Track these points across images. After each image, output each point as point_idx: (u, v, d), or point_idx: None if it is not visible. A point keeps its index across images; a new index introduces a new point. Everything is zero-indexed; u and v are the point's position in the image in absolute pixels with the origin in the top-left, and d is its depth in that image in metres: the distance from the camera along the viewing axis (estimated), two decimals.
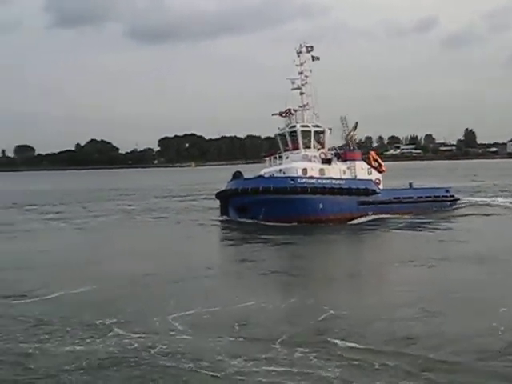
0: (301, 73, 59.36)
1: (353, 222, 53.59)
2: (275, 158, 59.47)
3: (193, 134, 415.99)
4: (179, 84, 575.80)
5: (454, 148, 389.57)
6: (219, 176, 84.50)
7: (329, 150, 59.72)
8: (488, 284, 27.48)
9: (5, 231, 52.42)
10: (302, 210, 52.75)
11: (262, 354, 18.51)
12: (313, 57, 59.49)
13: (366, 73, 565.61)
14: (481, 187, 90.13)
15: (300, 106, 59.48)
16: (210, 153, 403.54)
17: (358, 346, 19.15)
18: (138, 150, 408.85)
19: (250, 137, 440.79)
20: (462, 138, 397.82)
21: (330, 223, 52.22)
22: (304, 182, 54.13)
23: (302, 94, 59.37)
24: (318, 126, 59.00)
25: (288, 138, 59.00)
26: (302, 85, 59.20)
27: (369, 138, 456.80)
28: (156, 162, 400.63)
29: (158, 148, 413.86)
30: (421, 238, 44.37)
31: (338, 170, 57.70)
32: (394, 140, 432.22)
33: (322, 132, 59.50)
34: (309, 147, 58.21)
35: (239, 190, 55.18)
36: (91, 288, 27.33)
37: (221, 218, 57.10)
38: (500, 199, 68.48)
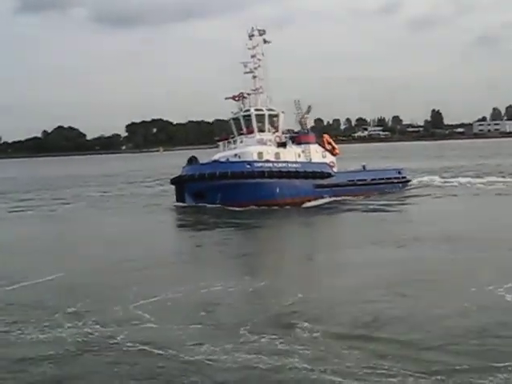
0: (253, 56, 58.72)
1: (309, 204, 53.53)
2: (229, 142, 58.98)
3: (160, 119, 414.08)
4: (146, 69, 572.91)
5: (421, 129, 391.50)
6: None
7: (283, 133, 59.64)
8: (452, 264, 27.54)
9: None
10: (260, 194, 52.57)
11: (229, 340, 18.28)
12: (264, 40, 58.88)
13: (331, 56, 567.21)
14: (448, 168, 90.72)
15: (253, 90, 58.89)
16: (177, 137, 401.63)
17: (326, 329, 19.02)
18: (105, 136, 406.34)
19: (218, 121, 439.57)
20: (429, 120, 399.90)
21: (286, 206, 52.07)
22: (261, 166, 53.88)
23: (254, 77, 58.85)
24: (271, 110, 58.74)
25: (242, 122, 58.23)
26: (255, 68, 58.71)
27: (336, 120, 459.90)
28: (124, 147, 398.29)
29: (126, 134, 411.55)
30: (377, 220, 45.11)
31: (293, 154, 57.54)
32: (362, 122, 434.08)
33: (276, 115, 59.19)
34: (263, 131, 57.82)
35: (196, 175, 54.20)
36: (54, 277, 27.02)
37: (177, 204, 56.24)
38: (460, 179, 69.87)
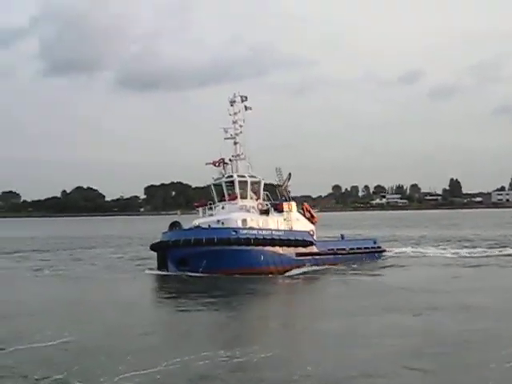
0: (235, 122, 58.33)
1: (292, 273, 52.60)
2: (209, 208, 57.19)
3: (179, 182, 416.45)
4: (167, 132, 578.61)
5: (439, 198, 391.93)
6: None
7: (263, 200, 58.77)
8: (461, 334, 27.01)
9: None
10: (244, 262, 51.12)
11: None
12: (246, 107, 58.42)
13: (351, 125, 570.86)
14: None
15: (233, 156, 58.38)
16: (195, 201, 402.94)
17: None
18: (124, 197, 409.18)
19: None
20: (448, 188, 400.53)
21: (269, 275, 51.08)
22: (246, 233, 52.42)
23: (235, 143, 58.37)
24: (253, 177, 57.95)
25: (224, 188, 57.26)
26: (236, 134, 58.24)
27: (354, 187, 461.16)
28: (142, 209, 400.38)
29: (144, 196, 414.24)
30: (361, 289, 43.96)
31: (275, 221, 56.77)
32: (380, 189, 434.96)
33: (258, 182, 58.36)
34: (245, 198, 56.90)
35: (181, 241, 51.47)
36: (49, 343, 26.03)
37: (157, 272, 52.99)
38: (436, 250, 71.23)
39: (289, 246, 54.79)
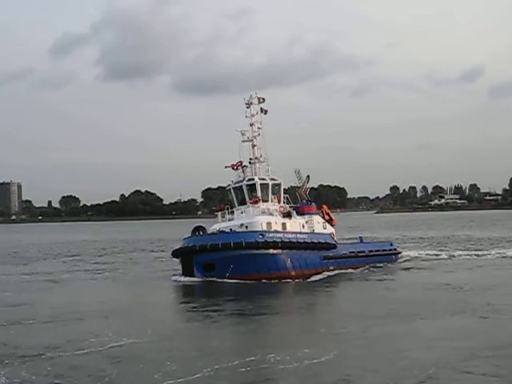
0: (252, 124, 56.86)
1: (317, 277, 51.22)
2: (231, 212, 56.12)
3: None
4: (224, 136, 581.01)
5: (499, 197, 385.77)
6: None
7: (284, 203, 57.44)
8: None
9: (50, 282, 52.97)
10: (272, 266, 50.01)
11: None
12: (262, 109, 57.48)
13: (409, 124, 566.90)
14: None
15: (251, 159, 56.76)
16: None
17: None
18: (182, 200, 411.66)
19: (293, 187, 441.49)
20: (508, 188, 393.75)
21: (296, 279, 49.77)
22: (273, 237, 50.89)
23: (253, 146, 56.83)
24: (274, 179, 56.57)
25: (245, 192, 55.53)
26: (254, 137, 56.80)
27: (412, 188, 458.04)
28: (200, 212, 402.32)
29: (202, 199, 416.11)
30: (401, 291, 43.37)
31: (297, 224, 55.51)
32: (439, 190, 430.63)
33: (278, 185, 57.00)
34: (266, 201, 55.43)
35: (208, 245, 49.63)
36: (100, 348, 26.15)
37: (185, 279, 50.57)
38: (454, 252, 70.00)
39: (313, 249, 53.78)
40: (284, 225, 53.85)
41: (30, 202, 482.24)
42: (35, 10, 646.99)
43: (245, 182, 55.65)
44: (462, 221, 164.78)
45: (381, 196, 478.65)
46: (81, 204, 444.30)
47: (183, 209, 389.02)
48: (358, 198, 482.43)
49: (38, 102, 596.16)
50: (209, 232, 53.78)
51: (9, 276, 58.00)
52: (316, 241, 54.39)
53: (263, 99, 57.66)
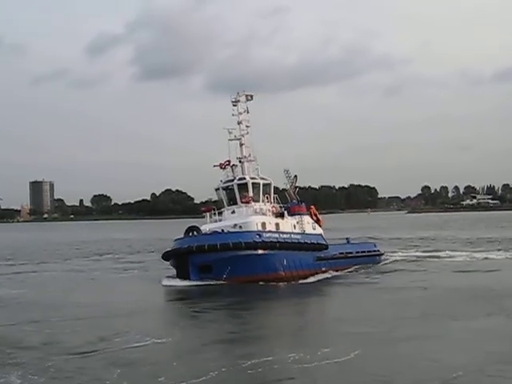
0: (239, 123, 54.68)
1: (313, 279, 49.91)
2: (220, 213, 53.90)
3: None
4: (257, 135, 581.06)
5: None
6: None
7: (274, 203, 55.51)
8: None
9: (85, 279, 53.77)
10: (270, 268, 48.30)
11: None
12: (247, 107, 55.32)
13: (443, 123, 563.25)
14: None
15: (239, 158, 54.75)
16: (283, 202, 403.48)
17: None
18: (213, 200, 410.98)
19: (324, 187, 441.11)
20: None
21: (292, 281, 48.37)
22: (269, 237, 49.34)
23: (241, 144, 54.67)
24: (264, 179, 54.54)
25: (236, 191, 53.35)
26: (242, 135, 54.65)
27: (444, 188, 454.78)
28: None
29: None
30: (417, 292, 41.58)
31: (289, 225, 53.92)
32: (470, 190, 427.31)
33: (269, 185, 54.99)
34: (257, 201, 53.26)
35: (206, 246, 47.11)
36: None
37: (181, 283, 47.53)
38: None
39: (307, 249, 52.51)
40: (277, 225, 52.46)
41: (62, 200, 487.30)
42: (71, 10, 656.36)
43: (236, 182, 53.66)
44: (494, 222, 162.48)
45: (412, 196, 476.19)
46: (112, 203, 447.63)
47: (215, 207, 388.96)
48: (389, 197, 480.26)
49: (73, 102, 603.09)
50: (207, 231, 51.12)
51: (42, 273, 58.56)
52: (309, 241, 53.17)
53: (251, 97, 55.79)
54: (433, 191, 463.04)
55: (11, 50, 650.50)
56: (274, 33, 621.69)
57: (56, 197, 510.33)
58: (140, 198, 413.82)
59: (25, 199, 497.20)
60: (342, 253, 57.39)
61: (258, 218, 51.24)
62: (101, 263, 69.02)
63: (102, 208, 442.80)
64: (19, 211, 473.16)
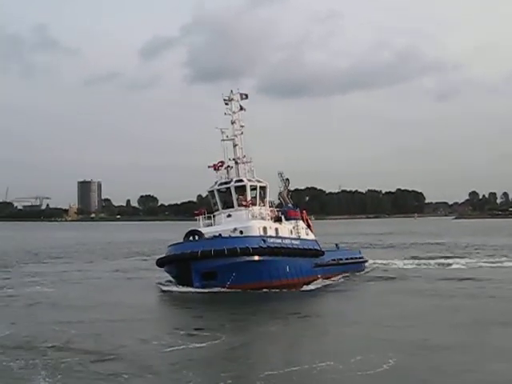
0: (233, 122, 51.79)
1: (312, 286, 47.60)
2: (213, 216, 51.13)
3: (313, 188, 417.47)
4: (305, 138, 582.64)
5: None
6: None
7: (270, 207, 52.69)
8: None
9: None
10: (274, 274, 45.90)
11: None
12: (241, 106, 52.39)
13: (493, 129, 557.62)
14: None
15: (234, 159, 51.86)
16: (330, 206, 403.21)
17: None
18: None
19: (370, 191, 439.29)
20: None
21: (293, 288, 45.77)
22: (273, 242, 46.92)
23: (235, 145, 51.74)
24: (260, 181, 51.71)
25: (233, 194, 50.34)
26: (235, 135, 51.80)
27: (492, 194, 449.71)
28: None
29: (278, 201, 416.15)
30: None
31: (287, 230, 51.48)
32: None
33: (264, 187, 51.95)
34: (255, 204, 50.48)
35: (212, 251, 43.66)
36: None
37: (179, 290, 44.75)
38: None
39: (306, 255, 50.34)
40: (276, 230, 49.89)
41: (109, 200, 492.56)
42: (127, 13, 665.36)
43: (233, 184, 50.59)
44: None
45: (459, 201, 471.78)
46: (158, 204, 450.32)
47: None
48: (436, 202, 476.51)
49: (125, 103, 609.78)
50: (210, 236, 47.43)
51: (85, 272, 58.77)
52: (307, 247, 51.19)
53: (246, 95, 53.10)
54: (481, 197, 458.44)
55: (67, 53, 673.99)
56: (327, 37, 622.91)
57: (103, 197, 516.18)
58: (186, 200, 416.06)
59: (73, 199, 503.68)
60: (335, 259, 55.33)
61: (258, 223, 48.84)
62: (147, 262, 68.81)
63: (148, 209, 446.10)
64: (67, 210, 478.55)
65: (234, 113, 52.10)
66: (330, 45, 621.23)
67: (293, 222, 53.15)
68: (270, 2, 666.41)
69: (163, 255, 47.81)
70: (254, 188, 50.86)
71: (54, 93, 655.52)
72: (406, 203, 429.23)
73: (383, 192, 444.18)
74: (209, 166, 51.24)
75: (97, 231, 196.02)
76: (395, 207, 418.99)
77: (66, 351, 24.69)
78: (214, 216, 50.91)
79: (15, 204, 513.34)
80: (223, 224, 49.29)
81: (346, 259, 57.51)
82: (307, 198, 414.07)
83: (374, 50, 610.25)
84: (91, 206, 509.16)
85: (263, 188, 51.57)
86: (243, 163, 51.83)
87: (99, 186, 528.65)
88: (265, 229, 48.45)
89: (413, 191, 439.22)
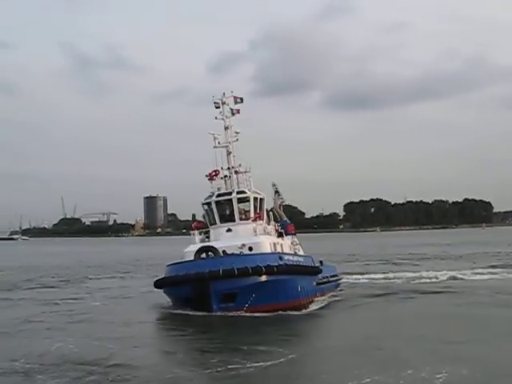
0: (227, 128, 47.16)
1: (315, 306, 43.42)
2: (206, 232, 46.78)
3: (378, 199, 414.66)
4: (373, 149, 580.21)
5: None
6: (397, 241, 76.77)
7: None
8: None
9: None
10: (290, 295, 41.30)
11: None
12: (232, 111, 47.58)
13: None
14: None
15: (232, 168, 47.09)
16: (395, 218, 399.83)
17: None
18: (324, 214, 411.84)
19: (437, 201, 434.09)
20: None
21: (303, 309, 41.41)
22: (288, 260, 42.78)
23: (229, 153, 47.12)
24: (257, 193, 46.89)
25: (235, 207, 45.52)
26: (229, 142, 47.05)
27: None
28: (341, 226, 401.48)
29: (344, 213, 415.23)
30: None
31: (287, 246, 47.71)
32: None
33: (262, 200, 47.29)
34: (258, 218, 45.97)
35: (235, 270, 38.46)
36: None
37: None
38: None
39: (311, 273, 46.30)
40: (281, 246, 45.94)
41: (174, 215, 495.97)
42: (195, 29, 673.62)
43: (235, 195, 45.68)
44: None
45: None
46: None
47: (325, 222, 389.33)
48: (505, 212, 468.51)
49: (190, 120, 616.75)
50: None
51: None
52: (310, 265, 47.84)
53: (241, 99, 48.33)
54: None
55: (136, 70, 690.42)
56: (395, 48, 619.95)
57: (169, 211, 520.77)
58: None
59: (139, 214, 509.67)
60: (327, 277, 50.69)
61: (267, 238, 44.13)
62: None
63: None
64: (133, 225, 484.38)
65: (226, 117, 47.47)
66: (397, 55, 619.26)
67: (290, 237, 49.99)
68: (338, 15, 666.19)
69: (164, 275, 42.27)
70: (256, 200, 46.25)
71: (120, 109, 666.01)
72: (473, 213, 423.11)
73: (450, 202, 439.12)
74: (206, 175, 46.51)
75: (163, 245, 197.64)
76: (462, 217, 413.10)
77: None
78: (208, 231, 46.60)
79: (83, 220, 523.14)
80: (223, 240, 44.37)
81: (331, 277, 52.91)
82: (372, 210, 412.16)
83: (442, 58, 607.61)
84: (157, 220, 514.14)
85: (262, 200, 47.21)
86: (240, 173, 47.15)
87: (165, 201, 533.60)
88: (274, 245, 44.51)
89: (480, 201, 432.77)
